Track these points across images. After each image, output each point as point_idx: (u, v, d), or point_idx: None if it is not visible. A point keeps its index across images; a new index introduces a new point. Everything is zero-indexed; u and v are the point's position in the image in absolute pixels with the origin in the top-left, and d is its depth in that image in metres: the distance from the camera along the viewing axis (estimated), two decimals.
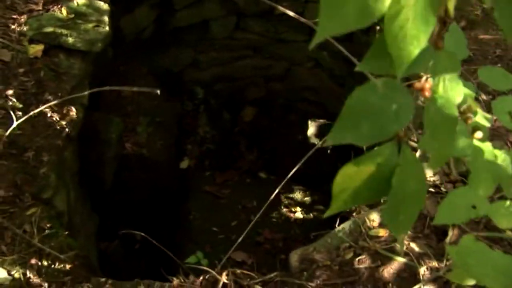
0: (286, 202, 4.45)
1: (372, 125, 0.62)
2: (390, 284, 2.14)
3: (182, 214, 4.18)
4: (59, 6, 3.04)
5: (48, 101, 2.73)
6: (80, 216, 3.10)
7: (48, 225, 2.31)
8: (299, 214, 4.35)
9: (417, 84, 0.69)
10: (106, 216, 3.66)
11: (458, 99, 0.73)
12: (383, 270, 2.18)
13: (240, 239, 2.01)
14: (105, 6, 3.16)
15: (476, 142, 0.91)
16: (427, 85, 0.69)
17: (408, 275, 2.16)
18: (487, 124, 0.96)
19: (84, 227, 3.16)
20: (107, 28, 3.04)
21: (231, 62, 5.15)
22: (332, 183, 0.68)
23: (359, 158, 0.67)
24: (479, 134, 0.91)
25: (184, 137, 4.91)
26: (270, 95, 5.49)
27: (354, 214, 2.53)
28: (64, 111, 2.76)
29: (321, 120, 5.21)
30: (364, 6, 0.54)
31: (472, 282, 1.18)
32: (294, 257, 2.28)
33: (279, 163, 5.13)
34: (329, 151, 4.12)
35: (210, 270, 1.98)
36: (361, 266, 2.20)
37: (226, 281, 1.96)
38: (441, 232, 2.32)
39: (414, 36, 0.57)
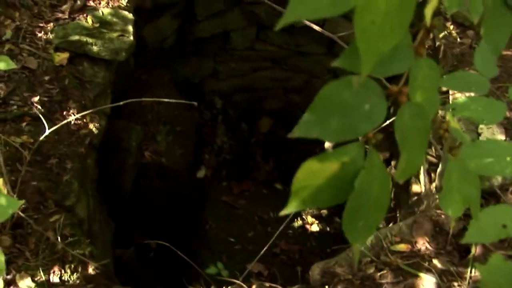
0: (303, 213, 4.44)
1: (342, 121, 0.58)
2: None
3: (198, 223, 4.19)
4: (85, 15, 3.08)
5: (71, 108, 2.76)
6: (99, 224, 3.12)
7: (71, 233, 2.33)
8: (315, 226, 4.34)
9: (394, 87, 0.65)
10: (123, 223, 3.68)
11: (434, 111, 0.70)
12: (405, 286, 2.16)
13: (262, 252, 2.01)
14: (129, 16, 3.19)
15: (453, 160, 0.87)
16: (405, 90, 0.65)
17: None
18: (466, 142, 0.92)
19: (102, 234, 3.17)
20: (131, 37, 3.06)
21: (250, 73, 5.17)
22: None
23: (324, 154, 0.62)
24: (455, 152, 0.87)
25: (201, 147, 4.93)
26: (288, 106, 5.49)
27: None
28: (87, 119, 2.79)
29: None
30: None
31: None
32: (316, 270, 2.27)
33: (294, 175, 5.12)
34: None
35: (239, 282, 1.98)
36: (383, 281, 2.19)
37: None
38: (464, 249, 2.30)
39: (386, 33, 0.53)
